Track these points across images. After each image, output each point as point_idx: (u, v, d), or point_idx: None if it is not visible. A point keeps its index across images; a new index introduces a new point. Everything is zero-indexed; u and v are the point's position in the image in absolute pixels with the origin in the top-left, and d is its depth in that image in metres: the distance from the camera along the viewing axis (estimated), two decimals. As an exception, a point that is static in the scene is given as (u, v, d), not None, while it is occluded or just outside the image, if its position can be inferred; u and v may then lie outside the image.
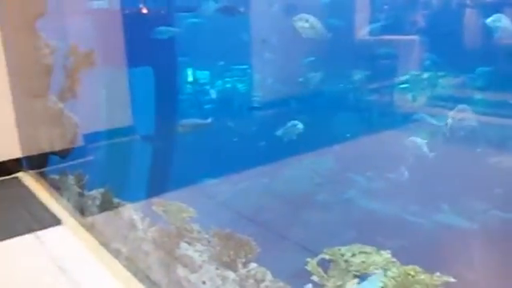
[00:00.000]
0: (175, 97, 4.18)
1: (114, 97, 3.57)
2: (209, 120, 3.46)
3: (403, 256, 1.64)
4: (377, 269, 1.57)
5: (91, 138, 3.33)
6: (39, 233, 2.47)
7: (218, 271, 1.84)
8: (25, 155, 3.33)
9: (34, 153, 3.33)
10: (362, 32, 3.55)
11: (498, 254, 2.00)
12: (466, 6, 2.98)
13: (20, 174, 3.33)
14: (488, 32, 2.46)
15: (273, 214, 2.99)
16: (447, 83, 3.16)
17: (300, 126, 3.15)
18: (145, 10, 4.13)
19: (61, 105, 3.09)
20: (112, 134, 3.54)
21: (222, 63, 4.69)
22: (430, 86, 3.23)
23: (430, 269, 1.50)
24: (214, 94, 4.76)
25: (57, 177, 3.04)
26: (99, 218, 2.62)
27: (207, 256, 1.90)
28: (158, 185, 3.18)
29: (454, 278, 1.46)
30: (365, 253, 1.67)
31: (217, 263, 1.86)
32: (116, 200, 2.52)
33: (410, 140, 2.62)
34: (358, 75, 3.80)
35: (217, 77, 4.90)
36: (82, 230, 2.52)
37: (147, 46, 3.56)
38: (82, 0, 3.49)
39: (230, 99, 4.95)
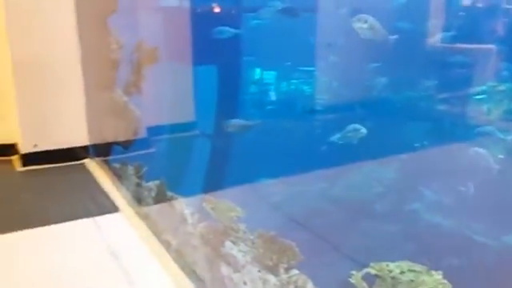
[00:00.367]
0: (237, 96, 4.22)
1: (178, 92, 3.67)
2: (255, 121, 3.46)
3: (457, 278, 1.54)
4: (425, 290, 1.48)
5: (153, 131, 3.45)
6: (97, 218, 2.57)
7: (260, 274, 1.82)
8: (91, 143, 3.51)
9: (100, 141, 3.49)
10: (435, 38, 3.38)
11: None
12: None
13: (86, 161, 3.51)
14: None
15: (325, 220, 2.92)
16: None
17: (363, 130, 3.06)
18: (216, 9, 4.21)
19: (125, 98, 3.23)
20: (173, 128, 3.64)
21: (288, 64, 4.68)
22: (508, 99, 3.02)
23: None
24: (274, 96, 4.75)
25: (118, 166, 3.17)
26: (153, 209, 2.69)
27: (250, 257, 1.89)
28: (211, 182, 3.22)
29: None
30: (414, 271, 1.58)
31: (259, 265, 1.84)
32: (169, 193, 2.58)
33: (478, 153, 2.47)
34: (427, 83, 3.64)
35: (282, 78, 4.89)
36: (137, 219, 2.60)
37: (212, 45, 3.62)
38: (153, -2, 3.62)
39: (293, 101, 4.92)
